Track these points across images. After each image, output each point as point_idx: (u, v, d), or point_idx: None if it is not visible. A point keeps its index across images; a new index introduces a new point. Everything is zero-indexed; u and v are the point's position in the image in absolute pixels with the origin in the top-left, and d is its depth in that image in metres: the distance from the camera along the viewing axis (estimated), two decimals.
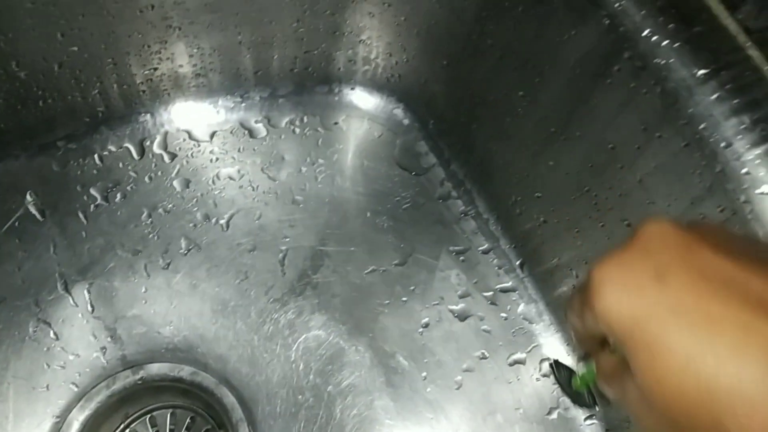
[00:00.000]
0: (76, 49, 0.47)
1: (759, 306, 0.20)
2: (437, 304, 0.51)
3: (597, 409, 0.49)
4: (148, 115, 0.56)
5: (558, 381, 0.50)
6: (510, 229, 0.53)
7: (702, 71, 0.33)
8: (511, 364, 0.50)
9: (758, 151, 0.32)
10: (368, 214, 0.56)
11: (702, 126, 0.33)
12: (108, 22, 0.47)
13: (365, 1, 0.51)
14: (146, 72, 0.52)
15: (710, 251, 0.22)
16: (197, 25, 0.50)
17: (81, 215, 0.53)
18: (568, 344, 0.50)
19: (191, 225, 0.54)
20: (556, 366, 0.50)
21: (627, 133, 0.38)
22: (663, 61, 0.34)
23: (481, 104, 0.51)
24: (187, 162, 0.56)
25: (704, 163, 0.33)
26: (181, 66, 0.53)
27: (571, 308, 0.28)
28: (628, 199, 0.39)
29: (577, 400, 0.50)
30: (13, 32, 0.44)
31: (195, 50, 0.52)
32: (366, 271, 0.53)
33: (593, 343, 0.28)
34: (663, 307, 0.21)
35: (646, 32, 0.35)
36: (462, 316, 0.51)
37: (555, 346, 0.51)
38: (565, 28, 0.39)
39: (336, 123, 0.59)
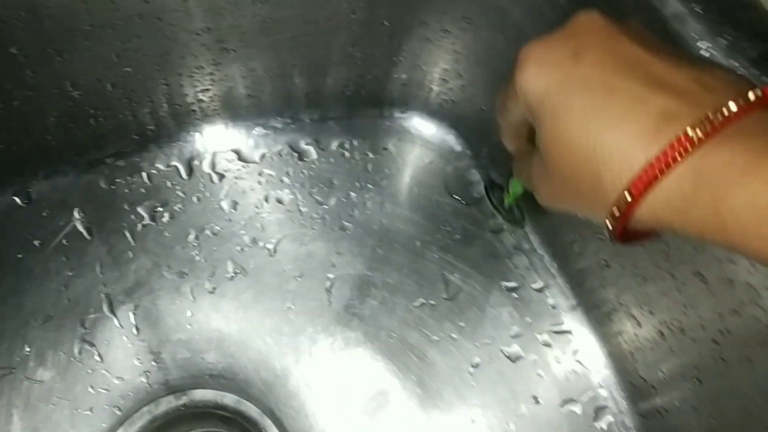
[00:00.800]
0: (129, 69, 0.47)
1: (654, 82, 0.22)
2: (488, 343, 0.50)
3: (525, 225, 0.53)
4: (198, 135, 0.55)
5: (490, 201, 0.54)
6: (566, 268, 0.51)
7: None
8: (564, 410, 0.48)
9: None
10: (417, 244, 0.54)
11: None
12: (163, 44, 0.46)
13: (424, 26, 0.50)
14: (198, 92, 0.52)
15: (627, 39, 0.24)
16: (251, 48, 0.48)
17: (128, 234, 0.53)
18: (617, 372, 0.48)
19: (238, 248, 0.53)
20: (490, 186, 0.54)
21: None
22: None
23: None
24: (236, 183, 0.55)
25: None
26: (232, 87, 0.52)
27: (499, 103, 0.31)
28: (703, 254, 0.37)
29: (508, 217, 0.53)
30: (69, 53, 0.44)
31: (248, 72, 0.51)
32: (414, 304, 0.52)
33: (518, 136, 0.32)
34: (572, 79, 0.24)
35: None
36: (514, 357, 0.50)
37: (612, 391, 0.48)
38: None
39: (386, 148, 0.58)
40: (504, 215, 0.53)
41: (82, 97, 0.47)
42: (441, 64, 0.53)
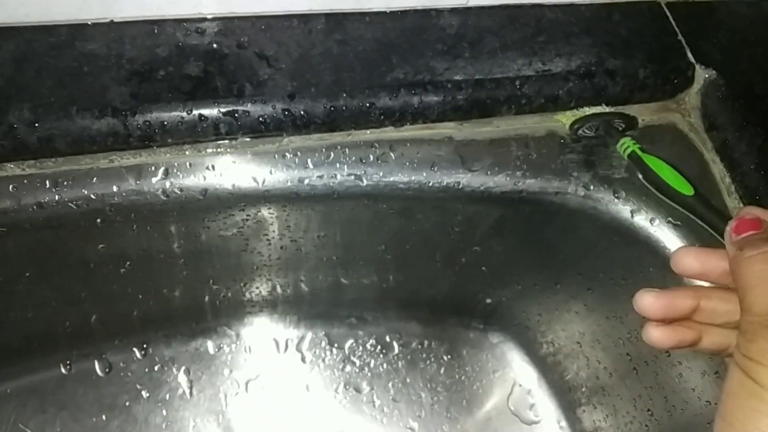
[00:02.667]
0: (262, 276, 0.54)
1: None
2: None
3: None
4: (298, 317, 0.63)
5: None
6: None
7: None
8: None
9: None
10: None
11: None
12: (295, 264, 0.53)
13: (517, 281, 0.57)
14: (309, 290, 0.59)
15: None
16: (366, 268, 0.56)
17: (223, 399, 0.59)
18: None
19: (312, 430, 0.59)
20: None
21: None
22: None
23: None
24: (321, 365, 0.62)
25: None
26: (338, 288, 0.59)
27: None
28: None
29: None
30: (221, 265, 0.51)
31: (354, 281, 0.58)
32: None
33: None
34: None
35: None
36: None
37: None
38: None
39: (459, 355, 0.64)
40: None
41: (217, 289, 0.55)
42: (525, 302, 0.60)
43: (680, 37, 0.48)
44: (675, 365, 0.46)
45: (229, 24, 0.42)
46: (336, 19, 0.43)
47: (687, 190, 0.39)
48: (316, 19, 0.43)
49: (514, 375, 0.63)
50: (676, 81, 0.47)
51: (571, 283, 0.54)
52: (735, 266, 0.27)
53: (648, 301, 0.29)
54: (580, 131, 0.45)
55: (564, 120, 0.45)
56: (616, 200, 0.44)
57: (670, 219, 0.44)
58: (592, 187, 0.44)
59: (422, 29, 0.45)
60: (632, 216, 0.44)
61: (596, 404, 0.57)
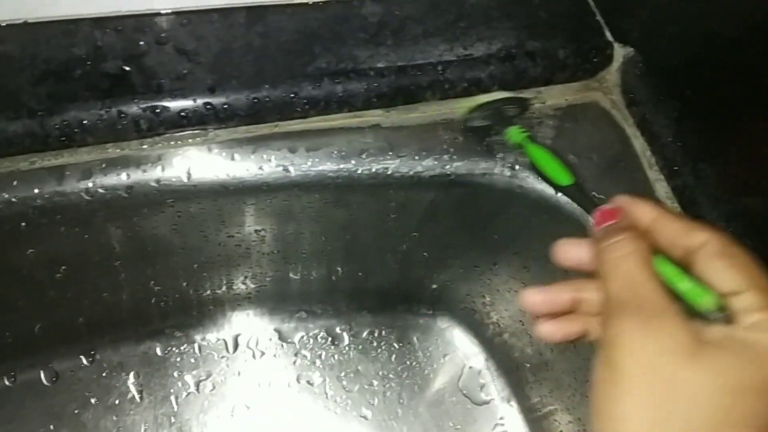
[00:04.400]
0: (204, 274, 0.54)
1: None
2: None
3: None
4: (247, 315, 0.63)
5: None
6: None
7: None
8: None
9: None
10: None
11: None
12: (236, 259, 0.53)
13: (457, 262, 0.58)
14: (256, 287, 0.59)
15: None
16: (310, 262, 0.56)
17: (173, 401, 0.59)
18: None
19: (267, 425, 0.59)
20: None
21: None
22: None
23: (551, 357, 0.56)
24: (273, 361, 0.62)
25: None
26: (286, 284, 0.59)
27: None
28: None
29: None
30: (161, 265, 0.51)
31: (302, 275, 0.58)
32: None
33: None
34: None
35: None
36: None
37: None
38: None
39: (410, 342, 0.65)
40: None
41: (160, 291, 0.55)
42: (468, 285, 0.61)
43: (599, 17, 0.49)
44: None
45: (147, 21, 0.42)
46: (257, 13, 0.44)
47: (565, 180, 0.39)
48: (237, 13, 0.43)
49: (464, 357, 0.64)
50: (595, 60, 0.48)
51: (509, 263, 0.55)
52: (596, 256, 0.28)
53: (530, 298, 0.30)
54: (474, 122, 0.45)
55: (459, 111, 0.45)
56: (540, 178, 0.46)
57: (593, 193, 0.45)
58: (517, 167, 0.46)
59: (344, 19, 0.45)
60: (556, 192, 0.45)
61: (542, 380, 0.58)
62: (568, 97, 0.48)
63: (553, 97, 0.48)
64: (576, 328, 0.31)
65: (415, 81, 0.44)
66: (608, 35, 0.49)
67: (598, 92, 0.49)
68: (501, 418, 0.62)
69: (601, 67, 0.49)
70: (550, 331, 0.31)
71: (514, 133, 0.43)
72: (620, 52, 0.49)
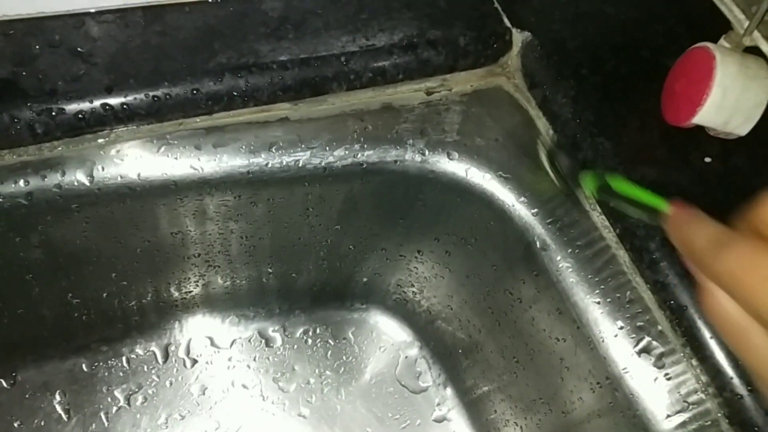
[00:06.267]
0: (125, 283, 0.53)
1: None
2: None
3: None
4: (177, 323, 0.62)
5: (552, 163, 0.45)
6: None
7: None
8: None
9: None
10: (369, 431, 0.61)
11: None
12: (157, 265, 0.52)
13: (383, 251, 0.58)
14: (182, 293, 0.58)
15: None
16: (235, 264, 0.56)
17: (103, 417, 0.57)
18: None
19: None
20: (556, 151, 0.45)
21: None
22: None
23: (479, 337, 0.57)
24: (206, 368, 0.61)
25: None
26: (214, 289, 0.59)
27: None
28: None
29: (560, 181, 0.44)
30: (75, 276, 0.50)
31: (228, 280, 0.58)
32: None
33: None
34: None
35: None
36: None
37: None
38: None
39: (345, 338, 0.65)
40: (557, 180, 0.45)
41: (79, 303, 0.53)
42: (396, 275, 0.61)
43: (496, 4, 0.51)
44: (526, 310, 0.49)
45: (38, 24, 0.41)
46: (154, 12, 0.43)
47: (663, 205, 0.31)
48: (133, 13, 0.43)
49: (399, 348, 0.65)
50: (495, 45, 0.50)
51: (432, 249, 0.56)
52: None
53: None
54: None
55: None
56: (450, 161, 0.47)
57: (500, 173, 0.46)
58: (427, 152, 0.47)
59: (244, 14, 0.45)
60: (467, 174, 0.47)
61: (473, 362, 0.59)
62: (473, 83, 0.50)
63: (459, 83, 0.50)
64: None
65: (320, 73, 0.45)
66: (506, 21, 0.51)
67: (502, 77, 0.51)
68: (438, 405, 0.63)
69: (502, 53, 0.51)
70: None
71: (591, 179, 0.39)
72: (519, 38, 0.51)
